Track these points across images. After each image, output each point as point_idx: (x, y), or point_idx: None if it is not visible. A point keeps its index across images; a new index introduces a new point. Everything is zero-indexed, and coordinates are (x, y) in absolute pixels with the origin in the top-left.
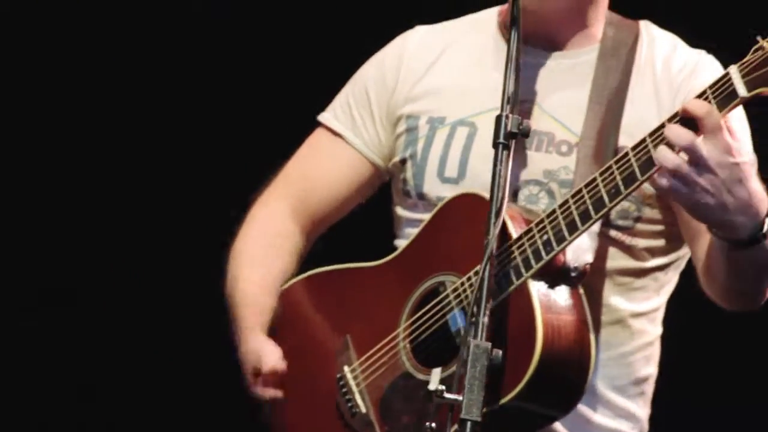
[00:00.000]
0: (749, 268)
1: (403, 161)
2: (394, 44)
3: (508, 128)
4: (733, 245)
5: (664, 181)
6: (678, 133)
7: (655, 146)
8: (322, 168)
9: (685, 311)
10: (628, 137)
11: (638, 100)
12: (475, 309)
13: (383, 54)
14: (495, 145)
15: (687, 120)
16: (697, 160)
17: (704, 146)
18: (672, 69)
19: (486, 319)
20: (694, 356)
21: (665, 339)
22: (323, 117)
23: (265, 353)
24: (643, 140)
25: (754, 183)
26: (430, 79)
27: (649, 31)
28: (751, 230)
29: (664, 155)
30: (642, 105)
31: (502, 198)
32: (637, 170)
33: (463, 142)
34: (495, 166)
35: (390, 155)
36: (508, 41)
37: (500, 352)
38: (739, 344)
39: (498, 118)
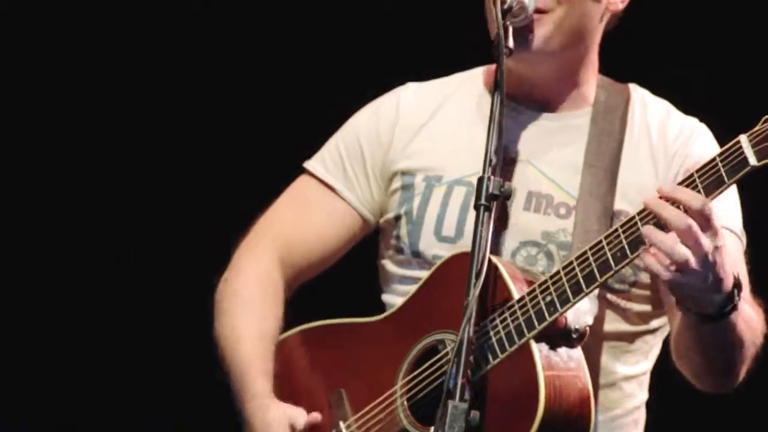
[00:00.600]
0: (717, 343)
1: (398, 218)
2: (388, 100)
3: (490, 190)
4: (702, 319)
5: (648, 258)
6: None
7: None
8: (312, 220)
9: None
10: (624, 200)
11: (633, 163)
12: (454, 370)
13: (376, 108)
14: (476, 206)
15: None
16: (691, 245)
17: (701, 234)
18: (668, 135)
19: (463, 380)
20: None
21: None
22: (312, 166)
23: (293, 418)
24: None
25: (727, 263)
26: (425, 136)
27: (640, 95)
28: (720, 305)
29: (653, 233)
30: (639, 170)
31: (483, 259)
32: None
33: (460, 202)
34: (476, 227)
35: (381, 211)
36: (491, 103)
37: (478, 414)
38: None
39: (480, 180)
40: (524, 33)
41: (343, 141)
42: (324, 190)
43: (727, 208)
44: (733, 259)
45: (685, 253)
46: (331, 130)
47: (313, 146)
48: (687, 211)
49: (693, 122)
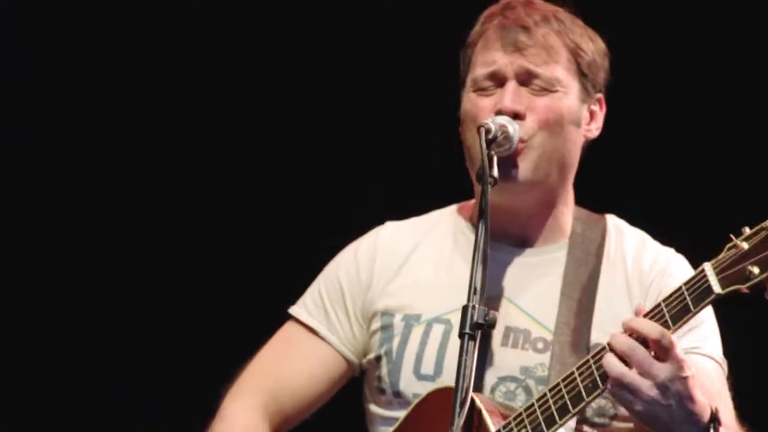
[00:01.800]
0: None
1: (378, 358)
2: (366, 240)
3: (475, 319)
4: None
5: (613, 391)
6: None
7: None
8: (297, 365)
9: None
10: (600, 333)
11: (609, 295)
12: None
13: (355, 249)
14: (461, 335)
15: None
16: (646, 375)
17: (656, 363)
18: (643, 266)
19: None
20: None
21: None
22: (295, 311)
23: None
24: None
25: (699, 393)
26: (404, 275)
27: (617, 226)
28: None
29: (610, 363)
30: (614, 301)
31: (467, 388)
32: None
33: (439, 340)
34: (460, 356)
35: (364, 351)
36: (476, 233)
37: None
38: None
39: (464, 309)
40: (509, 165)
41: (324, 284)
42: (307, 334)
43: (706, 336)
44: (712, 390)
45: (637, 380)
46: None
47: None
48: (646, 341)
49: (669, 252)
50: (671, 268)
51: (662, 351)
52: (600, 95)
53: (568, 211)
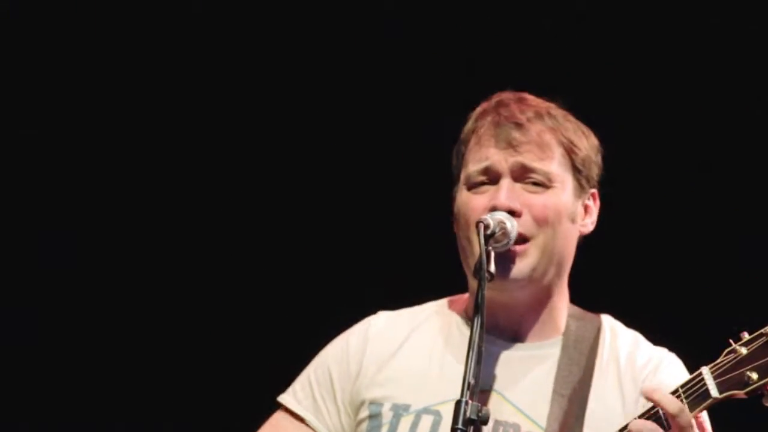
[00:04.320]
0: None
1: None
2: (358, 329)
3: (467, 415)
4: None
5: None
6: (641, 426)
7: None
8: None
9: None
10: (592, 431)
11: (602, 394)
12: None
13: (346, 338)
14: (453, 430)
15: (657, 416)
16: None
17: None
18: (636, 364)
19: None
20: None
21: None
22: (284, 399)
23: None
24: None
25: None
26: (394, 365)
27: (611, 325)
28: None
29: None
30: (606, 399)
31: None
32: None
33: (428, 430)
34: None
35: None
36: (471, 327)
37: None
38: None
39: (458, 404)
40: (507, 262)
41: (314, 372)
42: (295, 422)
43: (708, 429)
44: None
45: None
46: None
47: None
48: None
49: (662, 352)
50: (664, 365)
51: (679, 429)
52: (594, 190)
53: (563, 308)
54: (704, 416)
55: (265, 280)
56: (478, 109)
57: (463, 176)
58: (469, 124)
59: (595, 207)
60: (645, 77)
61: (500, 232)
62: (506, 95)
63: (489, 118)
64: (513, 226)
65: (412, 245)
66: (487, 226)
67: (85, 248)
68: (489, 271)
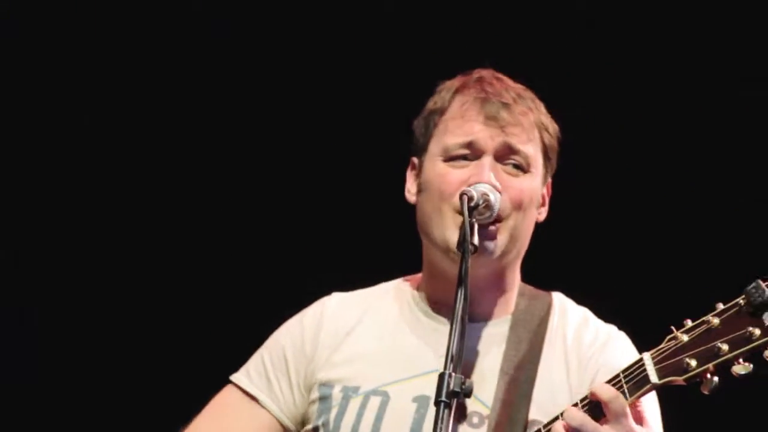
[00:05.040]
0: None
1: (316, 429)
2: (312, 310)
3: (451, 387)
4: None
5: None
6: (573, 416)
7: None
8: (234, 430)
9: None
10: (538, 410)
11: (549, 372)
12: None
13: (301, 319)
14: (437, 403)
15: (595, 403)
16: None
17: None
18: (583, 342)
19: None
20: None
21: None
22: (236, 378)
23: None
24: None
25: None
26: (347, 346)
27: (561, 303)
28: None
29: None
30: (552, 377)
31: None
32: None
33: (375, 412)
34: (435, 424)
35: (303, 420)
36: (454, 301)
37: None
38: None
39: (441, 376)
40: (485, 237)
41: (268, 353)
42: (247, 400)
43: (648, 417)
44: None
45: None
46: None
47: None
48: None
49: (610, 329)
50: (611, 345)
51: (614, 416)
52: (550, 179)
53: (515, 287)
54: (647, 406)
55: (218, 262)
56: (455, 83)
57: (438, 147)
58: (445, 95)
59: (548, 196)
60: (589, 54)
61: (483, 205)
62: (485, 72)
63: (473, 93)
64: (497, 199)
65: (365, 225)
66: (471, 198)
67: None
68: (473, 243)
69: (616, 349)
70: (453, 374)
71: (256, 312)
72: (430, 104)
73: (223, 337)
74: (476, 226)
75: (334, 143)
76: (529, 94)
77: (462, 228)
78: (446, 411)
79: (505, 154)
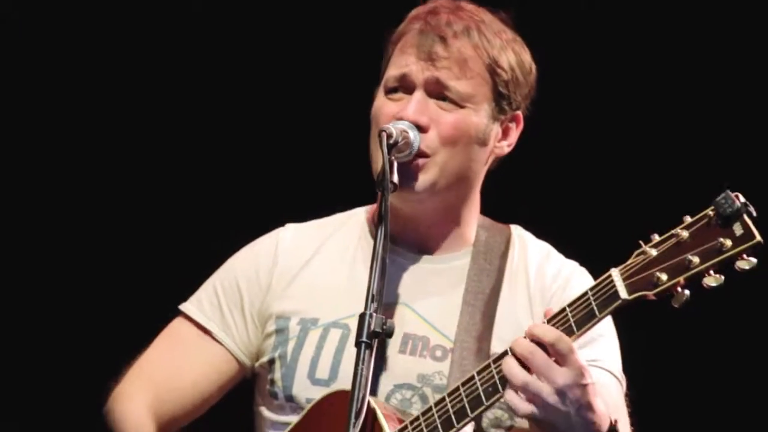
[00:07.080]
0: None
1: (272, 362)
2: (267, 242)
3: (372, 327)
4: None
5: (509, 394)
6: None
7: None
8: (187, 365)
9: None
10: (501, 342)
11: (511, 305)
12: None
13: (255, 250)
14: (357, 344)
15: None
16: (545, 379)
17: (555, 367)
18: (545, 278)
19: None
20: None
21: None
22: (187, 309)
23: None
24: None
25: (599, 402)
26: (303, 279)
27: (521, 236)
28: None
29: (510, 367)
30: (515, 309)
31: (363, 397)
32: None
33: (335, 345)
34: (356, 365)
35: (257, 354)
36: (374, 238)
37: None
38: None
39: (362, 317)
40: (409, 173)
41: (221, 283)
42: (199, 333)
43: (606, 350)
44: (611, 403)
45: (538, 386)
46: None
47: None
48: (544, 345)
49: (572, 265)
50: (574, 281)
51: (560, 356)
52: (517, 112)
53: (472, 220)
54: (602, 381)
55: (169, 192)
56: (413, 12)
57: (384, 79)
58: (401, 26)
59: (516, 129)
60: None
61: (403, 142)
62: (443, 2)
63: (417, 26)
64: (416, 136)
65: (320, 155)
66: (390, 135)
67: None
68: (392, 182)
69: (579, 284)
70: (374, 314)
71: (209, 241)
72: (392, 35)
73: (173, 266)
74: (395, 164)
75: (295, 73)
76: (486, 27)
77: (382, 166)
78: (367, 351)
79: (436, 89)
